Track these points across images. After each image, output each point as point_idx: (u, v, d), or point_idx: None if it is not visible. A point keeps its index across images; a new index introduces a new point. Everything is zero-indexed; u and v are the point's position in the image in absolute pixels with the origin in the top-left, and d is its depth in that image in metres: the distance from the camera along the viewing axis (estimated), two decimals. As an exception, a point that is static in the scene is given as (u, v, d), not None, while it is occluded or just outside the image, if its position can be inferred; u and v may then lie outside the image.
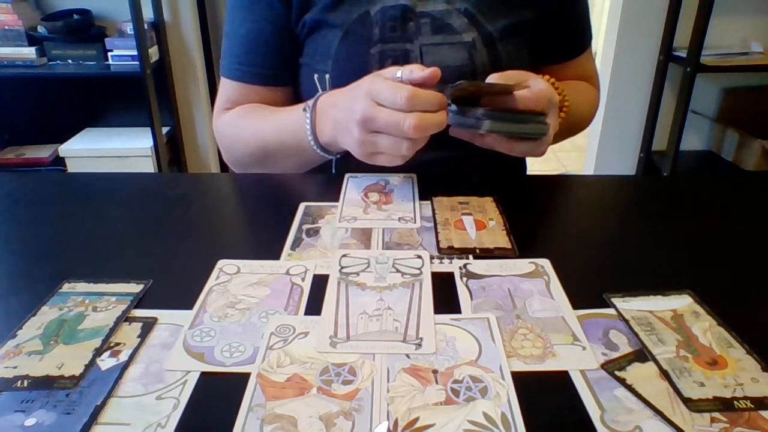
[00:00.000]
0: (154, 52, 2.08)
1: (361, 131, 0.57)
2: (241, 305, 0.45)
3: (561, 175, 0.77)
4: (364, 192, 0.65)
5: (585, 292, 0.47)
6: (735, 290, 0.48)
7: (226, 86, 0.80)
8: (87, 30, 2.06)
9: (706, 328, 0.42)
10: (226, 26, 0.78)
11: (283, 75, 0.78)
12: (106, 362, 0.39)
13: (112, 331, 0.42)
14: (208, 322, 0.43)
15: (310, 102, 0.67)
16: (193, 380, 0.38)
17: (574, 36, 0.83)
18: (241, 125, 0.77)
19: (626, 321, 0.43)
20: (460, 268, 0.50)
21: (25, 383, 0.37)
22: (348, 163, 0.88)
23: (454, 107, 0.60)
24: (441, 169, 0.80)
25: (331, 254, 0.52)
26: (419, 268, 0.50)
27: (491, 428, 0.34)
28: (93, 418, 0.34)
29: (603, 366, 0.39)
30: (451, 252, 0.53)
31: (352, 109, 0.57)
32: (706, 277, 0.50)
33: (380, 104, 0.55)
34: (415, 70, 0.57)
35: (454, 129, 0.61)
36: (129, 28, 2.01)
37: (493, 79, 0.61)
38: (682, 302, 0.45)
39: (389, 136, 0.56)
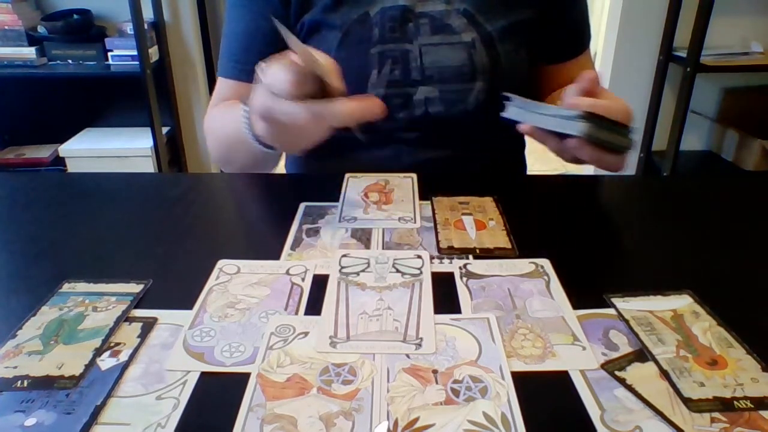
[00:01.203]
0: (154, 52, 2.08)
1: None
2: (241, 305, 0.45)
3: (561, 175, 0.77)
4: (364, 192, 0.65)
5: (585, 292, 0.47)
6: (735, 290, 0.48)
7: (221, 85, 0.79)
8: (87, 30, 2.06)
9: (706, 328, 0.42)
10: (224, 26, 0.78)
11: None
12: (106, 362, 0.39)
13: (112, 331, 0.42)
14: (208, 322, 0.43)
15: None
16: (193, 380, 0.37)
17: (574, 36, 0.83)
18: (215, 119, 0.76)
19: (626, 321, 0.43)
20: (460, 268, 0.50)
21: (25, 383, 0.37)
22: (302, 164, 0.86)
23: (531, 103, 0.58)
24: (441, 169, 0.80)
25: (331, 254, 0.52)
26: (419, 268, 0.50)
27: (491, 428, 0.33)
28: (93, 418, 0.34)
29: (603, 366, 0.39)
30: (451, 252, 0.53)
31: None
32: (706, 277, 0.50)
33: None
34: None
35: (530, 128, 0.59)
36: (129, 28, 2.01)
37: (570, 94, 0.59)
38: (682, 302, 0.45)
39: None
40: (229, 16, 0.77)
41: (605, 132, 0.55)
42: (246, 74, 0.77)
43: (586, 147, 0.57)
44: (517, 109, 0.61)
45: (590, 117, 0.54)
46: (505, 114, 0.63)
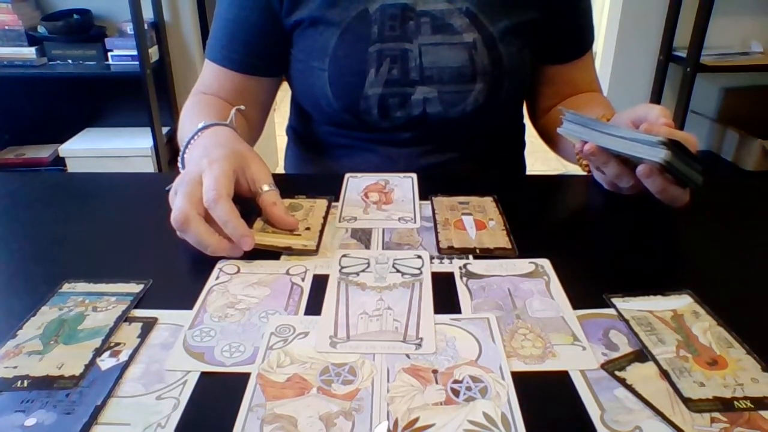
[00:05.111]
0: (154, 52, 2.08)
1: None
2: (241, 305, 0.45)
3: (561, 175, 0.77)
4: (364, 192, 0.65)
5: (585, 292, 0.47)
6: (735, 290, 0.48)
7: (206, 69, 0.79)
8: (87, 30, 2.06)
9: (706, 328, 0.42)
10: (216, 6, 0.78)
11: (264, 65, 0.78)
12: (106, 362, 0.39)
13: (112, 331, 0.42)
14: (208, 322, 0.43)
15: (202, 124, 0.63)
16: (193, 380, 0.37)
17: (577, 37, 0.82)
18: (185, 114, 0.74)
19: (626, 321, 0.43)
20: (460, 268, 0.50)
21: (25, 383, 0.37)
22: (302, 164, 0.85)
23: (593, 122, 0.57)
24: (439, 169, 0.80)
25: (331, 254, 0.52)
26: (419, 268, 0.50)
27: (491, 428, 0.33)
28: (93, 418, 0.34)
29: (603, 366, 0.39)
30: (451, 252, 0.53)
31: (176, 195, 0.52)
32: (706, 277, 0.50)
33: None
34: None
35: (596, 149, 0.57)
36: (129, 28, 2.01)
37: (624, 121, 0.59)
38: (682, 302, 0.45)
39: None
40: (220, 0, 0.77)
41: (682, 163, 0.52)
42: (230, 61, 0.77)
43: (658, 176, 0.54)
44: (577, 126, 0.59)
45: (671, 144, 0.51)
46: (561, 130, 0.61)
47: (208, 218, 0.51)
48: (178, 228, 0.50)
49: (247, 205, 0.56)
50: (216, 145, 0.58)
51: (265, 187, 0.56)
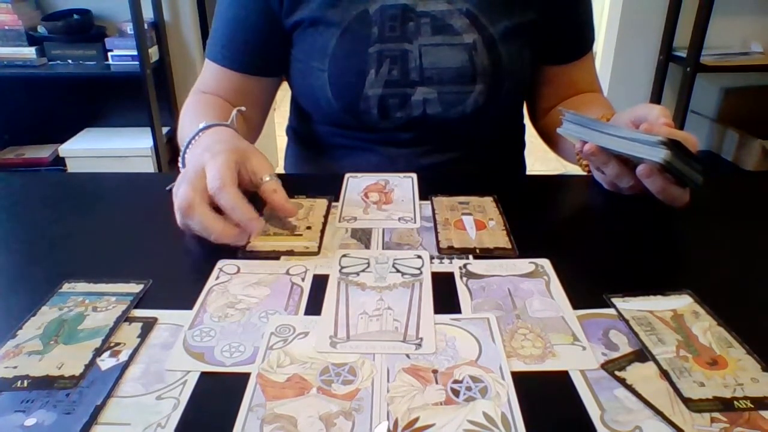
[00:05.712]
0: (154, 52, 2.08)
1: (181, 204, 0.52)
2: (241, 305, 0.45)
3: (561, 175, 0.77)
4: (364, 192, 0.65)
5: (585, 292, 0.47)
6: (735, 290, 0.48)
7: (206, 69, 0.79)
8: (87, 30, 2.06)
9: (706, 328, 0.42)
10: (216, 5, 0.78)
11: (264, 65, 0.78)
12: (106, 362, 0.39)
13: (112, 331, 0.42)
14: (208, 322, 0.43)
15: (203, 125, 0.63)
16: (193, 380, 0.37)
17: (577, 38, 0.82)
18: (186, 114, 0.74)
19: (626, 321, 0.43)
20: (460, 268, 0.50)
21: (25, 383, 0.37)
22: (302, 164, 0.85)
23: (594, 122, 0.57)
24: (438, 170, 0.80)
25: (331, 254, 0.52)
26: (419, 268, 0.50)
27: (491, 428, 0.33)
28: (93, 418, 0.34)
29: (603, 366, 0.39)
30: (451, 252, 0.53)
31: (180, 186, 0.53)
32: (706, 277, 0.50)
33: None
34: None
35: (596, 149, 0.57)
36: (129, 28, 2.01)
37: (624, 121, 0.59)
38: (682, 302, 0.45)
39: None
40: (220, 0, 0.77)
41: (682, 163, 0.52)
42: (229, 61, 0.77)
43: (658, 176, 0.54)
44: (577, 127, 0.59)
45: (671, 144, 0.51)
46: (561, 131, 0.61)
47: (212, 208, 0.51)
48: (183, 214, 0.50)
49: (249, 203, 0.56)
50: (217, 142, 0.58)
51: (266, 177, 0.56)
